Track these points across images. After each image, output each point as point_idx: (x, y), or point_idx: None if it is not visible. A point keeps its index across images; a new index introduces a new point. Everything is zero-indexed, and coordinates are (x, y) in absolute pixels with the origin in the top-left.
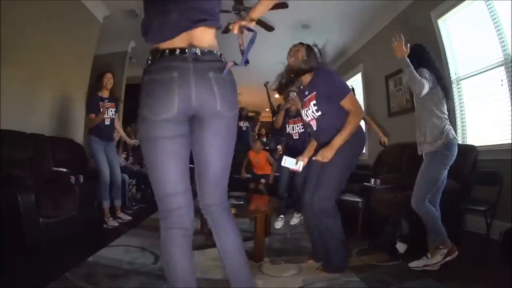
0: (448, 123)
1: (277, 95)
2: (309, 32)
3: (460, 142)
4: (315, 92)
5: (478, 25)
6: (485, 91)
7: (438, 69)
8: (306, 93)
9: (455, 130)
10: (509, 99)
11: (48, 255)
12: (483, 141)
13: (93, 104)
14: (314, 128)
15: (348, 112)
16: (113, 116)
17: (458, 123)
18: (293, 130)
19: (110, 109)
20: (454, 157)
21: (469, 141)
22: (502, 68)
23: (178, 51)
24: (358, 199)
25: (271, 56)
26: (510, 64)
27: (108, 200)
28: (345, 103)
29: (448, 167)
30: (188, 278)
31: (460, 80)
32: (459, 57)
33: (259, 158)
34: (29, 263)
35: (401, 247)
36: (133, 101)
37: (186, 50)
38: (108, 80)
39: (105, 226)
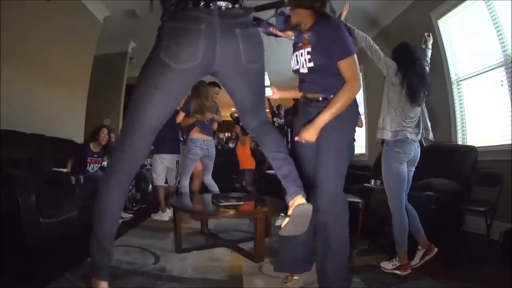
0: (407, 126)
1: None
2: None
3: (460, 143)
4: (312, 39)
5: (478, 25)
6: (485, 91)
7: (411, 72)
8: (304, 36)
9: (455, 131)
10: (509, 100)
11: (48, 255)
12: (483, 142)
13: (81, 155)
14: (304, 71)
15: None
16: (97, 170)
17: (458, 123)
18: None
19: (94, 165)
20: (411, 155)
21: (469, 142)
22: (502, 68)
23: (202, 3)
24: (358, 200)
25: (270, 57)
26: (510, 65)
27: None
28: (344, 65)
29: (405, 163)
30: (117, 219)
31: (460, 80)
32: (459, 57)
33: (244, 151)
34: (29, 263)
35: None
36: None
37: (211, 4)
38: (104, 136)
39: None
